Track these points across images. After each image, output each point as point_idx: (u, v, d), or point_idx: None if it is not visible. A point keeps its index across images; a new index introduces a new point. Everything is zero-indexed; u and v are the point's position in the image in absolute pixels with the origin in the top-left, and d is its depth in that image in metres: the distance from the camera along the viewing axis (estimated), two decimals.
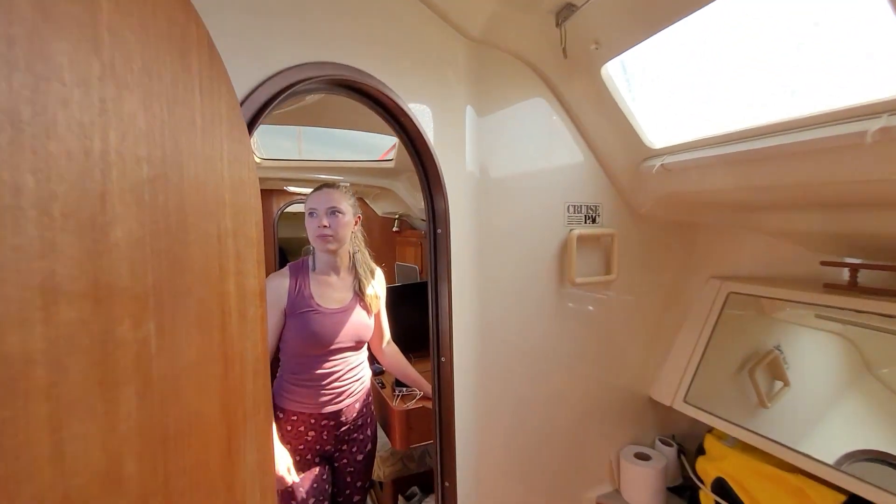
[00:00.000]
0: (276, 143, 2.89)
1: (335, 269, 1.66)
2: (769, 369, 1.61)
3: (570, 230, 1.47)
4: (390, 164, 2.94)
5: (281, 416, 1.64)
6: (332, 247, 1.58)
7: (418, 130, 1.15)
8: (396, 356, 1.92)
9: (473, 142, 1.32)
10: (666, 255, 1.66)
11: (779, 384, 1.59)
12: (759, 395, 1.57)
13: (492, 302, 1.39)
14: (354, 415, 1.71)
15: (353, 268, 1.71)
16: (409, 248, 3.94)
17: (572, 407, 1.56)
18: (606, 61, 1.29)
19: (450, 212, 1.24)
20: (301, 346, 1.59)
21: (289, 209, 4.28)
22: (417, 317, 2.61)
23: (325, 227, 1.56)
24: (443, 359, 1.28)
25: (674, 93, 1.43)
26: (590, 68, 1.32)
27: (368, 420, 1.79)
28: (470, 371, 1.35)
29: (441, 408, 1.32)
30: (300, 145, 2.83)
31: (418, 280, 3.68)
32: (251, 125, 0.80)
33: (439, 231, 1.24)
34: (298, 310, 1.57)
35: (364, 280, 1.69)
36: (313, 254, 1.67)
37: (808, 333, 1.61)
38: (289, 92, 0.84)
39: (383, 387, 2.23)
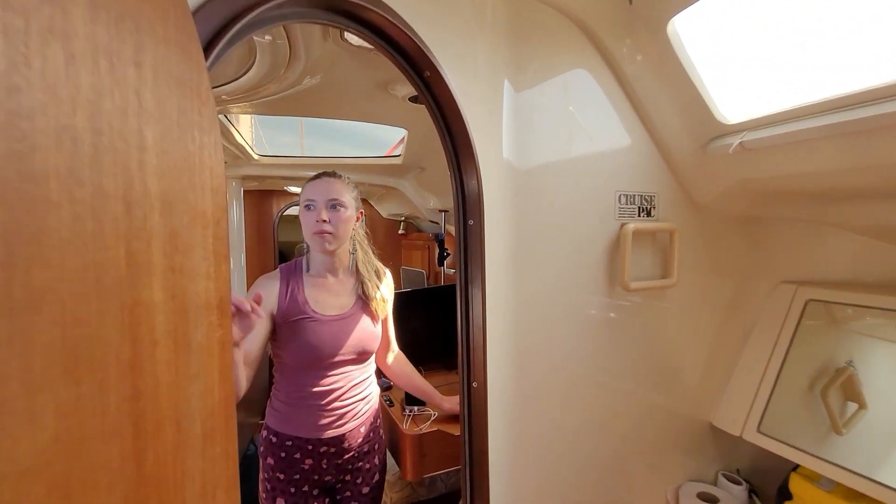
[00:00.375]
0: (275, 139, 2.61)
1: (332, 271, 1.38)
2: (842, 389, 1.32)
3: (623, 224, 1.18)
4: (398, 161, 2.66)
5: (274, 440, 1.36)
6: (330, 246, 1.30)
7: (448, 89, 0.85)
8: (404, 367, 1.62)
9: (511, 123, 1.03)
10: (727, 256, 1.36)
11: (853, 406, 1.30)
12: (832, 420, 1.28)
13: (530, 312, 1.09)
14: (360, 440, 1.42)
15: (355, 269, 1.42)
16: (416, 252, 3.65)
17: (620, 436, 1.26)
18: (677, 12, 1.01)
19: (484, 199, 0.95)
20: (295, 360, 1.31)
21: (290, 211, 4.00)
22: (424, 326, 2.34)
23: (325, 221, 1.27)
24: (475, 384, 0.98)
25: (745, 57, 1.15)
26: (655, 23, 1.03)
27: (376, 447, 1.49)
28: (504, 396, 1.05)
29: (472, 443, 1.02)
30: (301, 140, 2.56)
31: (426, 286, 3.39)
32: (209, 48, 0.51)
33: (471, 222, 0.95)
34: (291, 317, 1.29)
35: (367, 282, 1.40)
36: (307, 254, 1.38)
37: (885, 347, 1.33)
38: (268, 6, 0.55)
39: (391, 405, 1.93)
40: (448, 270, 3.17)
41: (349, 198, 1.33)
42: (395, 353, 1.61)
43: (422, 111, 1.90)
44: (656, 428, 1.31)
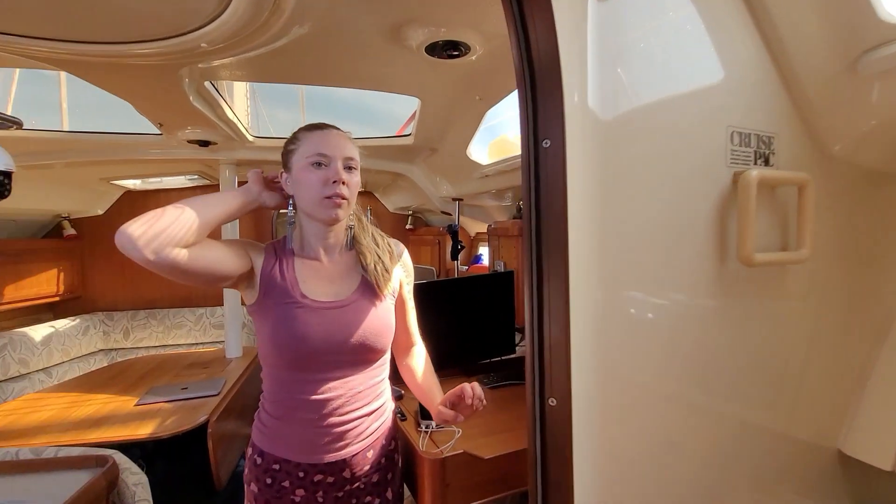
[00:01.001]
0: (274, 116, 2.28)
1: (328, 250, 1.06)
2: None
3: (740, 171, 0.82)
4: (408, 141, 2.31)
5: (259, 461, 1.03)
6: (342, 214, 1.00)
7: None
8: (417, 361, 1.20)
9: (595, 51, 0.67)
10: (861, 224, 1.00)
11: None
12: None
13: (618, 296, 0.72)
14: (367, 468, 1.07)
15: (352, 248, 1.09)
16: (425, 248, 3.28)
17: (721, 466, 0.88)
18: None
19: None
20: (280, 357, 0.98)
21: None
22: (437, 324, 1.94)
23: (343, 184, 0.97)
24: (552, 401, 0.61)
25: None
26: None
27: (390, 476, 1.12)
28: (590, 417, 0.67)
29: (547, 481, 0.64)
30: (303, 115, 2.21)
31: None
32: None
33: (546, 143, 0.57)
34: (275, 300, 0.98)
35: (366, 252, 1.06)
36: (293, 227, 1.06)
37: None
38: None
39: (403, 418, 1.55)
40: (461, 267, 2.80)
41: (359, 160, 1.05)
42: (417, 350, 1.24)
43: (438, 70, 1.54)
44: (768, 457, 0.93)
